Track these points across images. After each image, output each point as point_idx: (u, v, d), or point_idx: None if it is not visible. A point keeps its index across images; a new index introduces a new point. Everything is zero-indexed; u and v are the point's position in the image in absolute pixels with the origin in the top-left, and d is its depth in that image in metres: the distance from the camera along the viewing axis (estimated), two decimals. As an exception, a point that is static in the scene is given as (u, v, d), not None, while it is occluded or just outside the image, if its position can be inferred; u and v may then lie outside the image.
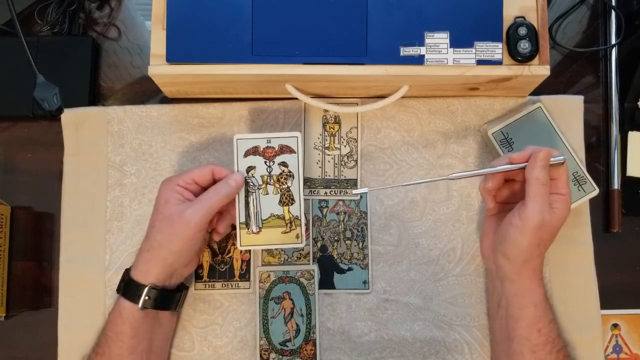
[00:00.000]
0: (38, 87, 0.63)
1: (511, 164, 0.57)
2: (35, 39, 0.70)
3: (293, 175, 0.60)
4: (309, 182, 0.67)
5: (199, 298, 0.65)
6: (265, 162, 0.60)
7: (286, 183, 0.60)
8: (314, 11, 0.60)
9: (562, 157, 0.56)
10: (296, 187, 0.60)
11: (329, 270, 0.66)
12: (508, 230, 0.56)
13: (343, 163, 0.68)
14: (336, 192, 0.67)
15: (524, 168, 0.56)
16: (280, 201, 0.60)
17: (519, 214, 0.55)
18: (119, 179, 0.68)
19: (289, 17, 0.60)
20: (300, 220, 0.60)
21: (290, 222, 0.60)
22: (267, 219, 0.60)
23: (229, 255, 0.66)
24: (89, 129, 0.68)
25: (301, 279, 0.65)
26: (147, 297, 0.56)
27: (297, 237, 0.60)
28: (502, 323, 0.58)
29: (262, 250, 0.66)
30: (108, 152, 0.68)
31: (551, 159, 0.55)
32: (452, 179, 0.58)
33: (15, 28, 0.63)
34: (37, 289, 0.67)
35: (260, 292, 0.65)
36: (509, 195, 0.61)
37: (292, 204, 0.60)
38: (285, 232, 0.60)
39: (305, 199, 0.67)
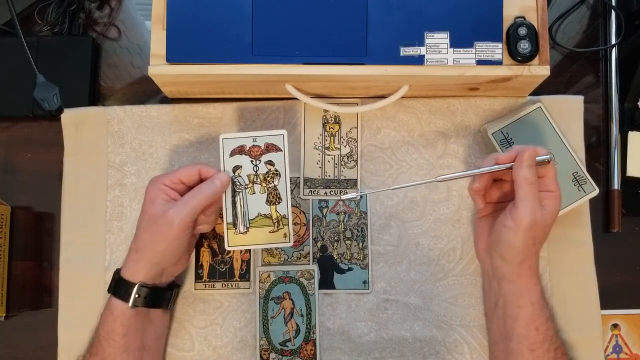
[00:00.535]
0: (38, 87, 0.63)
1: (498, 164, 0.57)
2: (35, 39, 0.70)
3: (280, 174, 0.60)
4: (309, 182, 0.67)
5: (199, 298, 0.66)
6: (252, 161, 0.60)
7: (273, 182, 0.60)
8: (313, 11, 0.60)
9: (547, 156, 0.56)
10: (283, 185, 0.60)
11: (329, 270, 0.66)
12: (502, 232, 0.56)
13: (343, 163, 0.68)
14: (336, 192, 0.67)
15: (511, 168, 0.56)
16: (267, 200, 0.60)
17: (511, 215, 0.55)
18: (119, 179, 0.68)
19: (289, 17, 0.60)
20: (288, 219, 0.60)
21: (278, 222, 0.60)
22: (254, 218, 0.60)
23: (229, 255, 0.66)
24: (89, 129, 0.68)
25: (301, 279, 0.65)
26: (137, 295, 0.56)
27: (285, 236, 0.60)
28: (500, 322, 0.58)
29: (261, 250, 0.66)
30: (108, 152, 0.68)
31: (537, 158, 0.55)
32: (439, 181, 0.58)
33: (15, 28, 0.63)
34: (37, 289, 0.67)
35: (260, 292, 0.65)
36: (499, 196, 0.61)
37: (279, 202, 0.60)
38: (273, 232, 0.60)
39: (305, 199, 0.67)
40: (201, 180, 0.59)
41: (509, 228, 0.55)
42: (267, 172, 0.60)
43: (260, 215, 0.60)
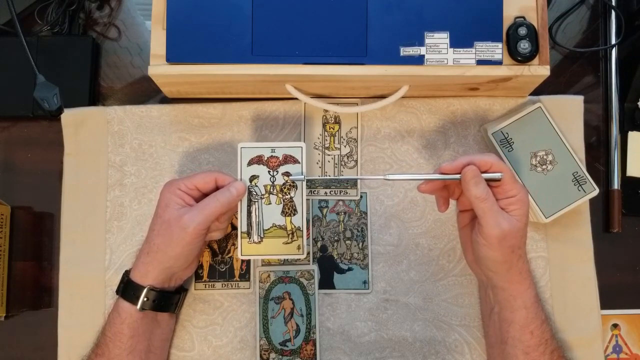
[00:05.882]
0: (38, 87, 0.63)
1: (443, 173, 0.55)
2: (35, 39, 0.70)
3: (296, 186, 0.60)
4: (309, 182, 0.67)
5: (199, 298, 0.66)
6: (269, 171, 0.60)
7: (289, 193, 0.60)
8: (313, 11, 0.60)
9: (498, 174, 0.54)
10: (299, 197, 0.60)
11: (329, 270, 0.66)
12: (478, 249, 0.56)
13: (343, 163, 0.68)
14: (336, 192, 0.67)
15: (460, 179, 0.55)
16: (282, 211, 0.60)
17: (479, 232, 0.54)
18: (119, 179, 0.68)
19: (289, 17, 0.60)
20: (302, 231, 0.60)
21: (292, 233, 0.60)
22: (268, 229, 0.60)
23: (229, 255, 0.66)
24: (89, 129, 0.68)
25: (301, 279, 0.65)
26: (145, 299, 0.56)
27: (299, 248, 0.60)
28: (496, 327, 0.59)
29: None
30: (108, 152, 0.68)
31: (486, 176, 0.54)
32: (388, 179, 0.57)
33: (15, 28, 0.63)
34: (37, 289, 0.67)
35: (260, 292, 0.65)
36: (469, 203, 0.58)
37: (294, 214, 0.60)
38: (287, 243, 0.60)
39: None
40: (217, 188, 0.59)
41: (482, 245, 0.54)
42: (283, 184, 0.60)
43: (275, 226, 0.60)
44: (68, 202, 0.67)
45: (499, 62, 0.61)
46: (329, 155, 0.68)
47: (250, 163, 0.60)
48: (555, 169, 0.64)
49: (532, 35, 0.61)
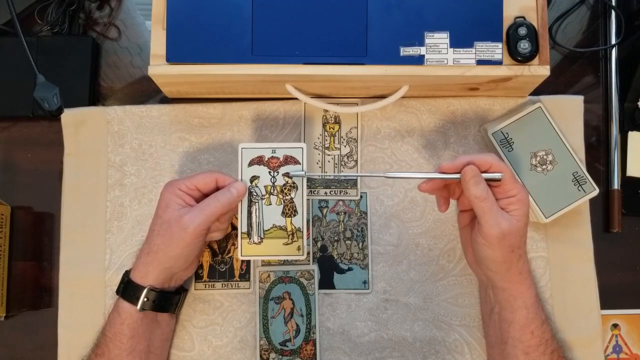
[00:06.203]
0: (38, 87, 0.63)
1: (443, 172, 0.55)
2: (35, 39, 0.70)
3: (297, 187, 0.60)
4: (309, 182, 0.67)
5: (199, 298, 0.66)
6: (270, 172, 0.60)
7: (290, 194, 0.60)
8: (314, 11, 0.60)
9: (498, 174, 0.54)
10: (299, 198, 0.60)
11: (329, 270, 0.66)
12: (478, 249, 0.56)
13: (343, 163, 0.68)
14: (336, 192, 0.67)
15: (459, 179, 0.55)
16: (283, 212, 0.60)
17: (479, 232, 0.54)
18: (119, 179, 0.68)
19: (289, 17, 0.60)
20: (303, 232, 0.60)
21: (292, 234, 0.60)
22: (269, 229, 0.60)
23: (229, 255, 0.66)
24: (89, 129, 0.68)
25: (301, 279, 0.65)
26: (145, 299, 0.56)
27: (299, 249, 0.60)
28: (496, 327, 0.59)
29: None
30: (108, 152, 0.68)
31: (486, 176, 0.54)
32: (388, 177, 0.57)
33: (15, 28, 0.63)
34: (37, 289, 0.67)
35: (260, 292, 0.65)
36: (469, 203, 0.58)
37: (294, 215, 0.60)
38: (287, 244, 0.60)
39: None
40: (217, 188, 0.59)
41: (482, 244, 0.54)
42: (284, 184, 0.60)
43: (275, 226, 0.60)
44: (68, 202, 0.67)
45: (499, 62, 0.61)
46: (329, 155, 0.68)
47: (250, 164, 0.60)
48: (555, 169, 0.64)
49: (532, 35, 0.61)
